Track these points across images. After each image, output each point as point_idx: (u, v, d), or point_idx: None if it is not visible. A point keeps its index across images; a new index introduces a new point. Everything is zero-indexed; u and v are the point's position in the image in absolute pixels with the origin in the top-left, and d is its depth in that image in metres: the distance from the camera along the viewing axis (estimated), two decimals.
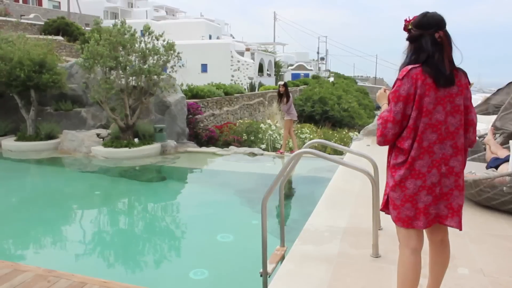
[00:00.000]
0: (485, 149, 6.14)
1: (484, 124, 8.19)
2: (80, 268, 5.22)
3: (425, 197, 2.51)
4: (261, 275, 3.86)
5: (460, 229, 2.59)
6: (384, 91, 2.84)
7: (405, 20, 2.62)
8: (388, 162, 2.67)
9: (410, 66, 2.49)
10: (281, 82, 11.40)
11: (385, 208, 2.73)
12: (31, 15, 32.66)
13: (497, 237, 4.27)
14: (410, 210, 2.53)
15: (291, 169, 4.25)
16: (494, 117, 7.40)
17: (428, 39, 2.49)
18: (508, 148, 5.46)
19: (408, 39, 2.60)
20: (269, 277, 3.82)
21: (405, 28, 2.62)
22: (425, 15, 2.55)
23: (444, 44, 2.49)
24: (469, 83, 2.62)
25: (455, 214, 2.57)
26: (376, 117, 2.71)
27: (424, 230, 2.68)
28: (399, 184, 2.54)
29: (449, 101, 2.48)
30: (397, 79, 2.50)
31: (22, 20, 25.57)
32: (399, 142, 2.54)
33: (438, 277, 2.81)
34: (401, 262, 2.65)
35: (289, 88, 11.68)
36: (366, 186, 4.36)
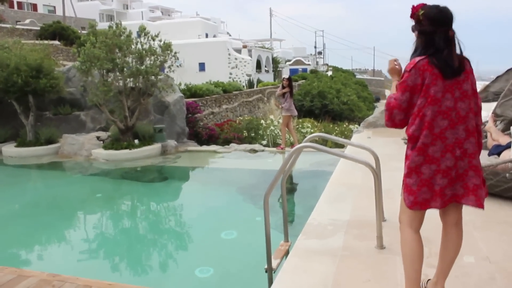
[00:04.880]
0: (486, 137, 6.11)
1: (484, 111, 8.11)
2: (85, 271, 5.21)
3: (441, 180, 2.58)
4: (266, 271, 3.85)
5: (481, 207, 2.66)
6: (395, 63, 2.86)
7: (413, 7, 2.60)
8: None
9: (417, 58, 2.55)
10: (286, 76, 11.37)
11: None
12: (27, 21, 32.62)
13: (502, 224, 4.25)
14: (426, 193, 2.60)
15: (292, 164, 4.23)
16: (494, 104, 7.37)
17: (442, 36, 2.54)
18: (510, 134, 5.44)
19: (420, 32, 2.59)
20: (274, 272, 3.80)
21: (414, 16, 2.61)
22: (441, 10, 2.56)
23: (453, 40, 2.57)
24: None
25: (471, 193, 2.63)
26: (384, 101, 2.74)
27: (439, 214, 2.79)
28: (415, 170, 2.59)
29: (457, 88, 2.57)
30: (405, 71, 2.56)
31: (17, 26, 25.52)
32: (406, 130, 2.64)
33: (449, 263, 2.83)
34: (406, 241, 2.71)
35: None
36: (368, 178, 4.34)
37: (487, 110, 7.98)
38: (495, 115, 6.69)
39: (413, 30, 2.64)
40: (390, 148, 7.51)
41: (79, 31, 26.61)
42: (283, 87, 11.01)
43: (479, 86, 11.86)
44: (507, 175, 4.67)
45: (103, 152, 11.34)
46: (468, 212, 2.65)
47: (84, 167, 11.02)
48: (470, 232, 4.03)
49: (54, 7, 50.10)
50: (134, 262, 5.64)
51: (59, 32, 24.29)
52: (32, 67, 12.09)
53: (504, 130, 6.21)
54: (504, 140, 5.48)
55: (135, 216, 7.70)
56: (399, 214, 2.79)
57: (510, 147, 5.00)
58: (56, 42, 22.20)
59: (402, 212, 2.76)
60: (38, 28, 25.90)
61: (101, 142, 12.18)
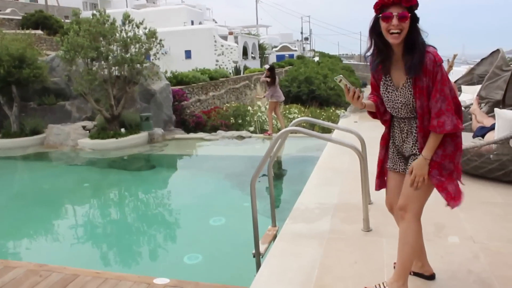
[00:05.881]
0: (471, 119, 6.17)
1: (469, 94, 8.22)
2: (73, 261, 5.18)
3: None
4: (253, 256, 3.86)
5: None
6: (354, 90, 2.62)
7: None
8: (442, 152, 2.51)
9: (432, 47, 2.42)
10: (266, 66, 11.31)
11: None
12: (8, 10, 31.94)
13: (486, 204, 4.31)
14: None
15: (279, 148, 4.23)
16: (478, 87, 7.43)
17: None
18: (494, 116, 5.48)
19: (416, 18, 2.40)
20: (262, 257, 3.82)
21: (416, 2, 2.38)
22: None
23: None
24: None
25: None
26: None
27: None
28: (460, 149, 2.59)
29: None
30: (439, 64, 2.36)
31: None
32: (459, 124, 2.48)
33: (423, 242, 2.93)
34: (415, 233, 2.62)
35: (275, 69, 11.56)
36: (355, 162, 4.36)
37: (472, 92, 8.05)
38: (480, 98, 6.76)
39: (417, 19, 2.39)
40: (377, 132, 7.50)
41: (63, 20, 26.15)
42: (266, 77, 11.00)
43: (465, 69, 11.94)
44: (491, 156, 4.73)
45: (89, 142, 11.25)
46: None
47: (71, 157, 10.93)
48: (455, 213, 4.07)
49: None
50: (122, 250, 5.64)
51: (41, 21, 23.85)
52: (15, 57, 11.89)
53: (489, 112, 6.26)
54: (488, 122, 5.54)
55: (123, 205, 7.67)
56: (406, 203, 2.61)
57: (494, 128, 5.05)
58: (39, 32, 21.79)
59: (415, 202, 2.59)
60: (20, 18, 25.39)
61: (87, 131, 12.08)
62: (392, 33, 2.36)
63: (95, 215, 7.29)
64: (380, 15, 2.40)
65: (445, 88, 2.37)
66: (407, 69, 2.44)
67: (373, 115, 2.87)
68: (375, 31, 2.47)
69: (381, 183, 2.92)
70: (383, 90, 2.64)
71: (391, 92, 2.58)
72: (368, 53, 2.58)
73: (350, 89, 2.54)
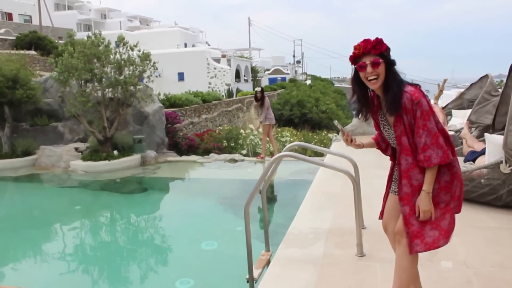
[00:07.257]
0: (462, 143, 6.24)
1: (459, 118, 8.32)
2: (62, 285, 5.13)
3: None
4: (247, 281, 3.84)
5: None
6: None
7: (379, 39, 2.53)
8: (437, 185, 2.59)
9: (411, 86, 2.54)
10: (258, 89, 11.36)
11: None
12: (2, 30, 32.04)
13: (478, 228, 4.34)
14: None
15: (272, 173, 4.25)
16: (468, 111, 7.54)
17: None
18: (484, 141, 5.56)
19: (392, 62, 2.56)
20: (255, 282, 3.80)
21: (386, 47, 2.55)
22: None
23: None
24: None
25: None
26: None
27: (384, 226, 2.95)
28: (457, 178, 2.63)
29: None
30: (416, 102, 2.46)
31: None
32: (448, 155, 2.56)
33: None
34: (415, 258, 2.70)
35: (266, 92, 11.70)
36: (348, 186, 4.38)
37: (462, 117, 8.16)
38: (470, 122, 6.85)
39: (392, 63, 2.56)
40: (369, 156, 7.57)
41: (56, 41, 26.27)
42: (257, 99, 11.10)
43: (455, 93, 12.11)
44: (482, 180, 4.78)
45: (81, 164, 11.20)
46: None
47: (62, 179, 10.87)
48: None
49: (30, 16, 49.34)
50: (113, 274, 5.58)
51: (35, 42, 23.96)
52: (8, 77, 11.89)
53: (479, 136, 6.34)
54: (479, 146, 5.61)
55: (115, 228, 7.61)
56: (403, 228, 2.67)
57: (485, 153, 5.11)
58: (33, 52, 21.86)
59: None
60: (14, 38, 25.50)
61: (80, 153, 12.02)
62: (370, 80, 2.55)
63: (86, 238, 7.22)
64: (355, 66, 2.60)
65: (427, 123, 2.47)
66: (386, 110, 2.60)
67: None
68: (355, 80, 2.67)
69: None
70: (382, 128, 2.79)
71: (388, 130, 2.72)
72: (353, 100, 2.78)
73: (345, 133, 2.84)
